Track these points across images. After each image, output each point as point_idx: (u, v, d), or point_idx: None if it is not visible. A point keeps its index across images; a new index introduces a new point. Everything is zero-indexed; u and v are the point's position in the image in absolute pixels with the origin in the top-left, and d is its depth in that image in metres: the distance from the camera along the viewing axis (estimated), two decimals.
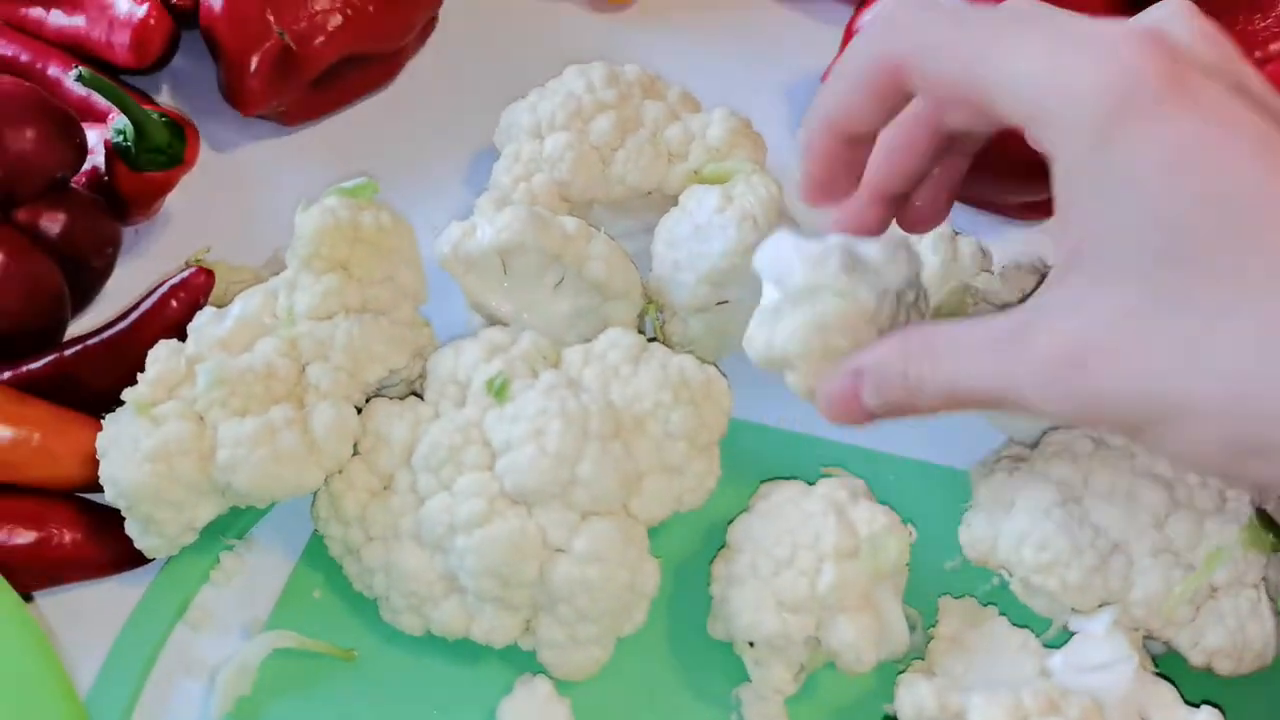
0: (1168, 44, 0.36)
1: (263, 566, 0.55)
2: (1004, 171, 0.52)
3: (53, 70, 0.65)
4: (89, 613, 0.54)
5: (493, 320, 0.57)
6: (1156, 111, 0.35)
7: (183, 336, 0.53)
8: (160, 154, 0.59)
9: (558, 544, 0.49)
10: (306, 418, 0.51)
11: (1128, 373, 0.36)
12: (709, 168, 0.59)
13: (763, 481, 0.53)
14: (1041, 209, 0.63)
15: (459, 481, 0.49)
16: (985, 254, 0.58)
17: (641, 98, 0.61)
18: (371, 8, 0.64)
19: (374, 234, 0.53)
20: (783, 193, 0.56)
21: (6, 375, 0.55)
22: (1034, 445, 0.52)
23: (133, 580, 0.54)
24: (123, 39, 0.63)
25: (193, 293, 0.56)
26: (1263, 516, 0.48)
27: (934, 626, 0.51)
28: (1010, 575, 0.49)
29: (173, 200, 0.64)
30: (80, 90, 0.62)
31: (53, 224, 0.57)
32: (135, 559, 0.53)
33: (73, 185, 0.59)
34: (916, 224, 0.48)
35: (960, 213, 0.51)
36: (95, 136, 0.60)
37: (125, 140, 0.58)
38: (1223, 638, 0.47)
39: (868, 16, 0.62)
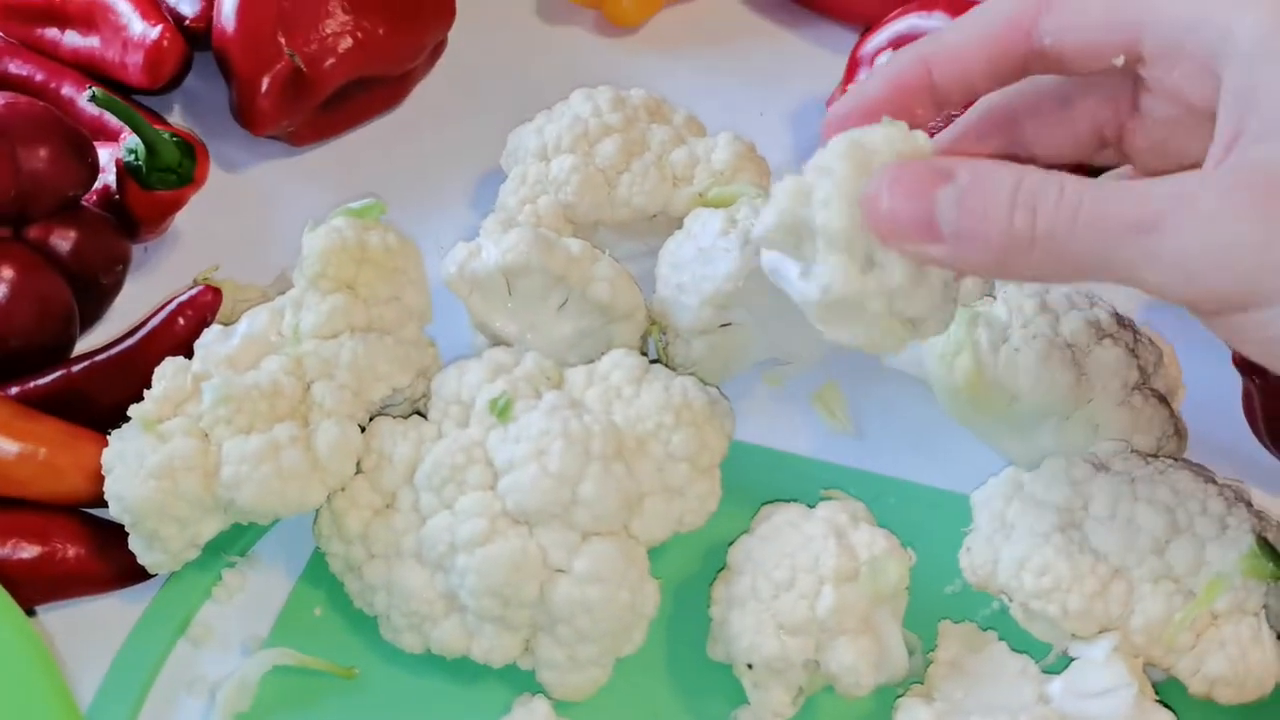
0: None
1: (265, 583, 0.55)
2: None
3: (67, 90, 0.66)
4: (91, 628, 0.54)
5: (497, 340, 0.57)
6: None
7: (190, 354, 0.53)
8: (171, 173, 0.60)
9: (558, 564, 0.49)
10: (310, 436, 0.51)
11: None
12: (713, 191, 0.60)
13: (763, 504, 0.53)
14: None
15: (461, 501, 0.50)
16: (987, 280, 0.58)
17: (648, 121, 0.61)
18: (381, 31, 0.65)
19: (380, 254, 0.54)
20: None
21: (15, 390, 0.56)
22: (1034, 470, 0.52)
23: (135, 596, 0.54)
24: (136, 60, 0.64)
25: (200, 310, 0.56)
26: (1264, 544, 0.48)
27: (934, 651, 0.51)
28: (1010, 600, 0.49)
29: (182, 219, 0.64)
30: (93, 110, 0.63)
31: (64, 241, 0.58)
32: (138, 574, 0.53)
33: (84, 203, 0.60)
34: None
35: None
36: (107, 155, 0.61)
37: (136, 159, 0.59)
38: (1224, 665, 0.47)
39: None
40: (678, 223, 0.60)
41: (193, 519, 0.51)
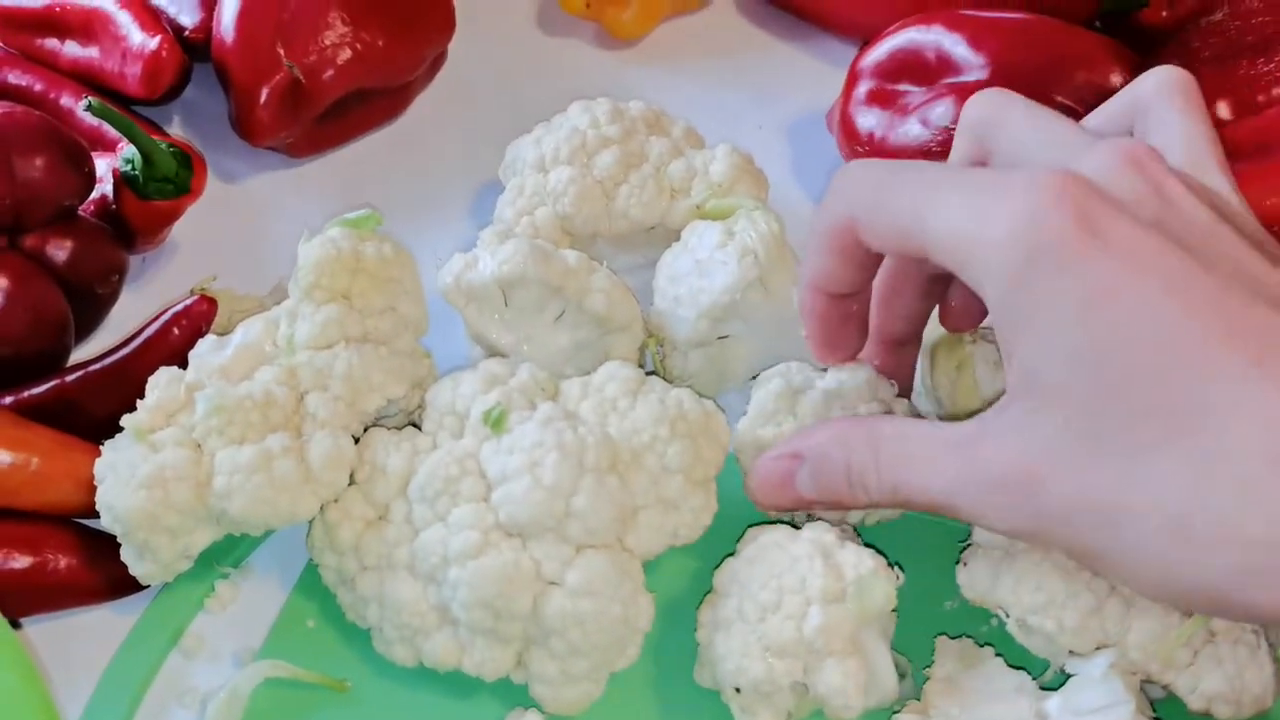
0: (1083, 184, 0.37)
1: (258, 595, 0.55)
2: None
3: (65, 100, 0.66)
4: (83, 639, 0.54)
5: (493, 352, 0.57)
6: (1067, 256, 0.36)
7: (184, 364, 0.53)
8: (168, 183, 0.60)
9: (551, 577, 0.49)
10: (304, 447, 0.51)
11: (1067, 492, 0.37)
12: (711, 203, 0.59)
13: (750, 525, 0.52)
14: None
15: (454, 513, 0.49)
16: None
17: (646, 133, 0.61)
18: (381, 42, 0.65)
19: (376, 265, 0.54)
20: (784, 229, 0.56)
21: (8, 400, 0.55)
22: None
23: (127, 607, 0.54)
24: (135, 70, 0.64)
25: (195, 320, 0.56)
26: None
27: (929, 666, 0.50)
28: (1007, 616, 0.49)
29: (180, 230, 0.64)
30: (91, 120, 0.63)
31: (60, 251, 0.58)
32: (130, 586, 0.53)
33: (81, 213, 0.60)
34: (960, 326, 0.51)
35: None
36: (105, 165, 0.61)
37: (133, 169, 0.59)
38: (1221, 682, 0.47)
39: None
40: (676, 235, 0.60)
41: (184, 529, 0.50)
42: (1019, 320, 0.38)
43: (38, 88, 0.66)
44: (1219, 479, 0.35)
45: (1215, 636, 0.47)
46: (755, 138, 0.67)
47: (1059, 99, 0.60)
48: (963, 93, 0.60)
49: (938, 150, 0.61)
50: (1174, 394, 0.35)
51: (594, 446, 0.49)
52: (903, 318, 0.49)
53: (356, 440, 0.52)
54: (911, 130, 0.62)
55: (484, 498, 0.49)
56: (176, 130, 0.70)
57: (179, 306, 0.56)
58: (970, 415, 0.54)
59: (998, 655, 0.50)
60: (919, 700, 0.49)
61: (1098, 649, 0.47)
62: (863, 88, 0.65)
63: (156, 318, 0.57)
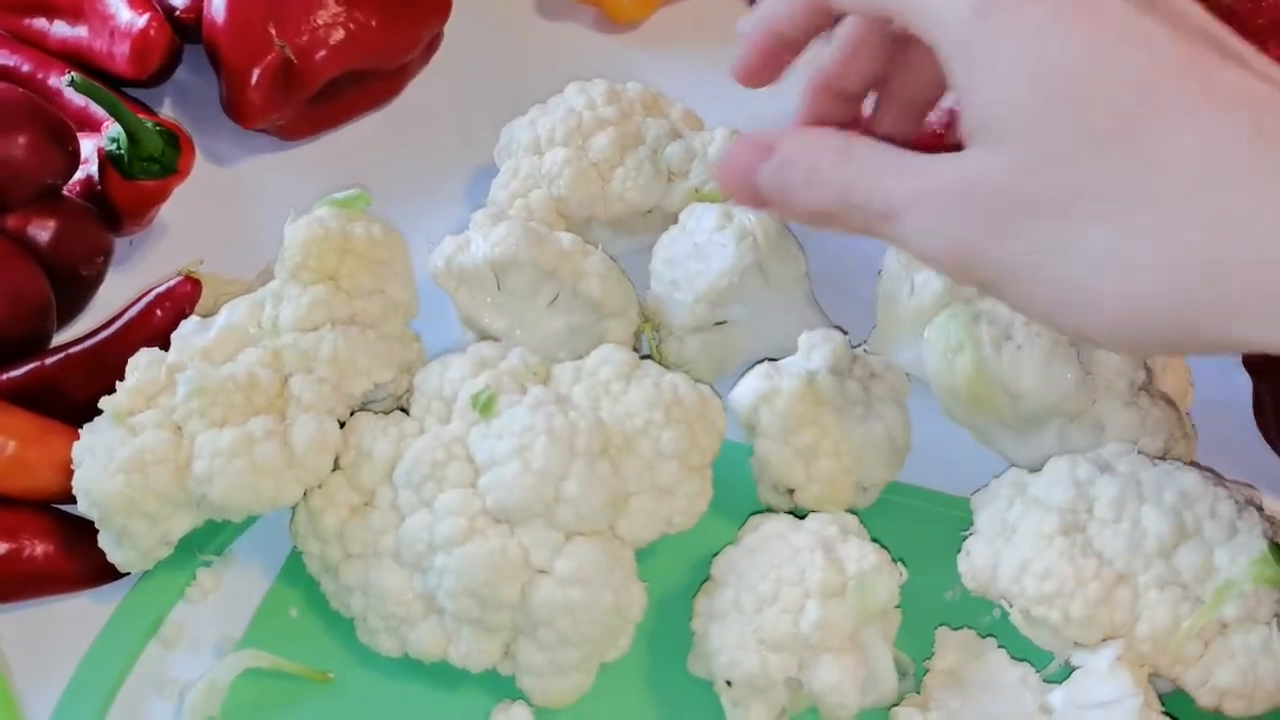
0: None
1: (241, 583, 0.53)
2: None
3: (54, 80, 0.64)
4: (60, 628, 0.52)
5: (485, 336, 0.56)
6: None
7: (167, 346, 0.52)
8: (154, 163, 0.59)
9: (540, 565, 0.47)
10: (287, 430, 0.49)
11: (1013, 203, 0.38)
12: (709, 185, 0.58)
13: (753, 513, 0.51)
14: None
15: (440, 498, 0.48)
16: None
17: (643, 115, 0.60)
18: (374, 23, 0.64)
19: (364, 246, 0.52)
20: None
21: None
22: (1037, 471, 0.50)
23: (107, 595, 0.53)
24: (123, 49, 0.63)
25: (178, 302, 0.55)
26: (1275, 549, 0.45)
27: (930, 659, 0.49)
28: (1010, 606, 0.47)
29: (169, 212, 0.63)
30: (79, 101, 0.62)
31: (42, 231, 0.56)
32: (110, 573, 0.52)
33: (66, 193, 0.58)
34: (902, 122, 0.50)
35: None
36: (91, 145, 0.60)
37: (119, 148, 0.58)
38: (1233, 676, 0.45)
39: None
40: (673, 218, 0.58)
41: (163, 515, 0.49)
42: (973, 60, 0.39)
43: (26, 68, 0.65)
44: (1158, 199, 0.36)
45: (1227, 629, 0.45)
46: (755, 122, 0.65)
47: None
48: None
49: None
50: (1120, 116, 0.36)
51: (585, 431, 0.48)
52: (853, 68, 0.49)
53: (342, 425, 0.51)
54: None
55: (471, 483, 0.48)
56: (167, 112, 0.69)
57: (162, 288, 0.55)
58: (972, 399, 0.53)
59: (1000, 647, 0.49)
60: (919, 694, 0.48)
61: (1104, 641, 0.46)
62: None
63: (139, 299, 0.55)
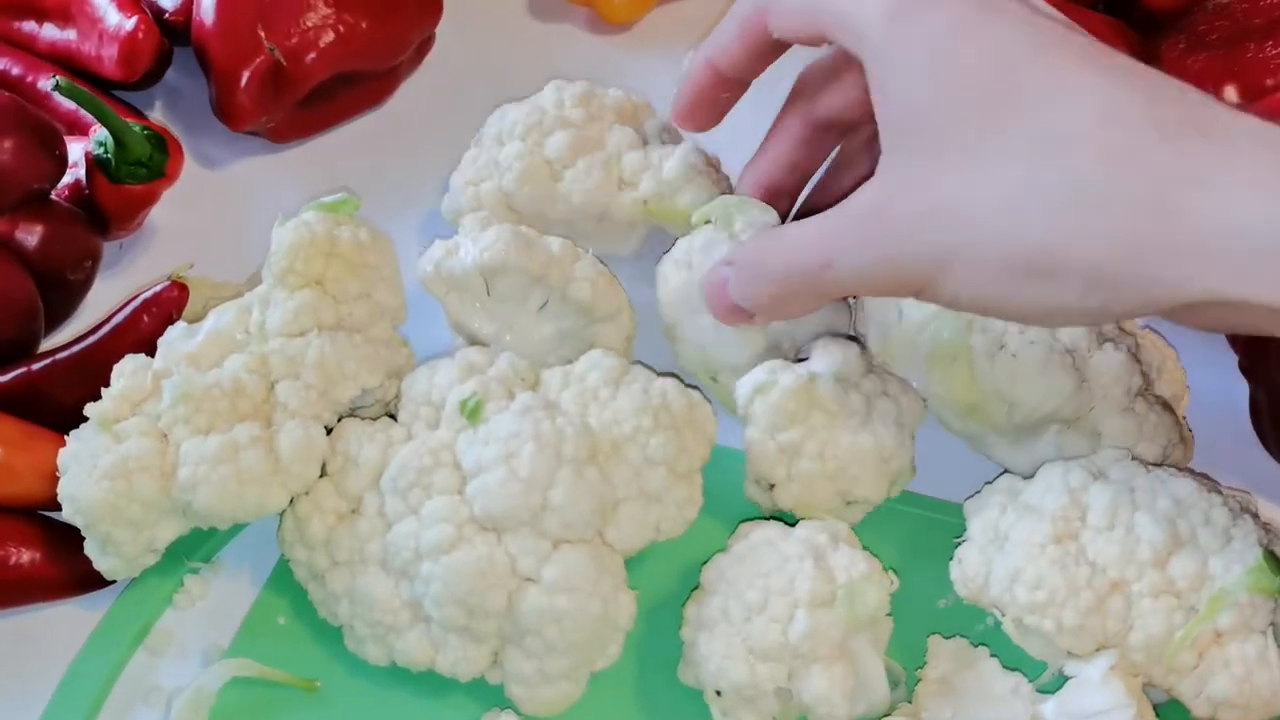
0: None
1: (228, 591, 0.53)
2: None
3: (43, 83, 0.64)
4: (46, 636, 0.52)
5: (475, 342, 0.55)
6: (926, 5, 0.42)
7: (154, 352, 0.51)
8: (141, 167, 0.58)
9: (527, 573, 0.47)
10: (273, 437, 0.49)
11: (916, 209, 0.41)
12: (653, 202, 0.57)
13: (742, 521, 0.51)
14: None
15: (427, 506, 0.48)
16: None
17: (613, 121, 0.59)
18: (365, 25, 0.64)
19: (351, 250, 0.52)
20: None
21: None
22: (1030, 478, 0.50)
23: (94, 603, 0.53)
24: (112, 52, 0.62)
25: (165, 307, 0.54)
26: (1271, 557, 0.45)
27: (922, 668, 0.48)
28: (1003, 615, 0.47)
29: (158, 215, 0.63)
30: (68, 104, 0.61)
31: (30, 236, 0.56)
32: (96, 581, 0.51)
33: (53, 197, 0.58)
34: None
35: None
36: (80, 150, 0.59)
37: (105, 152, 0.58)
38: (1228, 686, 0.45)
39: None
40: (625, 229, 0.58)
41: (148, 522, 0.49)
42: (887, 63, 0.42)
43: (14, 71, 0.64)
44: (1050, 160, 0.39)
45: (1222, 638, 0.45)
46: (748, 123, 0.65)
47: None
48: None
49: None
50: (1015, 91, 0.40)
51: (572, 437, 0.47)
52: (780, 162, 0.54)
53: (329, 431, 0.51)
54: None
55: (458, 490, 0.48)
56: (157, 115, 0.68)
57: (149, 293, 0.55)
58: (967, 408, 0.52)
59: (993, 656, 0.49)
60: (910, 703, 0.47)
61: (1097, 650, 0.45)
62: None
63: (126, 304, 0.55)
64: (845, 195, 0.45)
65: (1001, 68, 0.40)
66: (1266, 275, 0.36)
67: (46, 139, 0.56)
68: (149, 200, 0.59)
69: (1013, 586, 0.46)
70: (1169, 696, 0.46)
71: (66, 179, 0.58)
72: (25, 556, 0.51)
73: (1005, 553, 0.47)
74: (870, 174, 0.45)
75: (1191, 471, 0.50)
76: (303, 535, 0.50)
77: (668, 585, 0.53)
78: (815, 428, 0.51)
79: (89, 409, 0.49)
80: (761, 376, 0.52)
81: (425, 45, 0.69)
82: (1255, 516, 0.47)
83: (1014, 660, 0.48)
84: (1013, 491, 0.49)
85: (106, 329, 0.55)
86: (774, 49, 0.50)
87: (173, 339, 0.51)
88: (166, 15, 0.65)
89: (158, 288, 0.55)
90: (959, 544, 0.49)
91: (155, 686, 0.51)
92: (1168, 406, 0.53)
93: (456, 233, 0.56)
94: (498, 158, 0.58)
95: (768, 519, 0.51)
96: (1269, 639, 0.45)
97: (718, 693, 0.47)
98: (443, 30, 0.69)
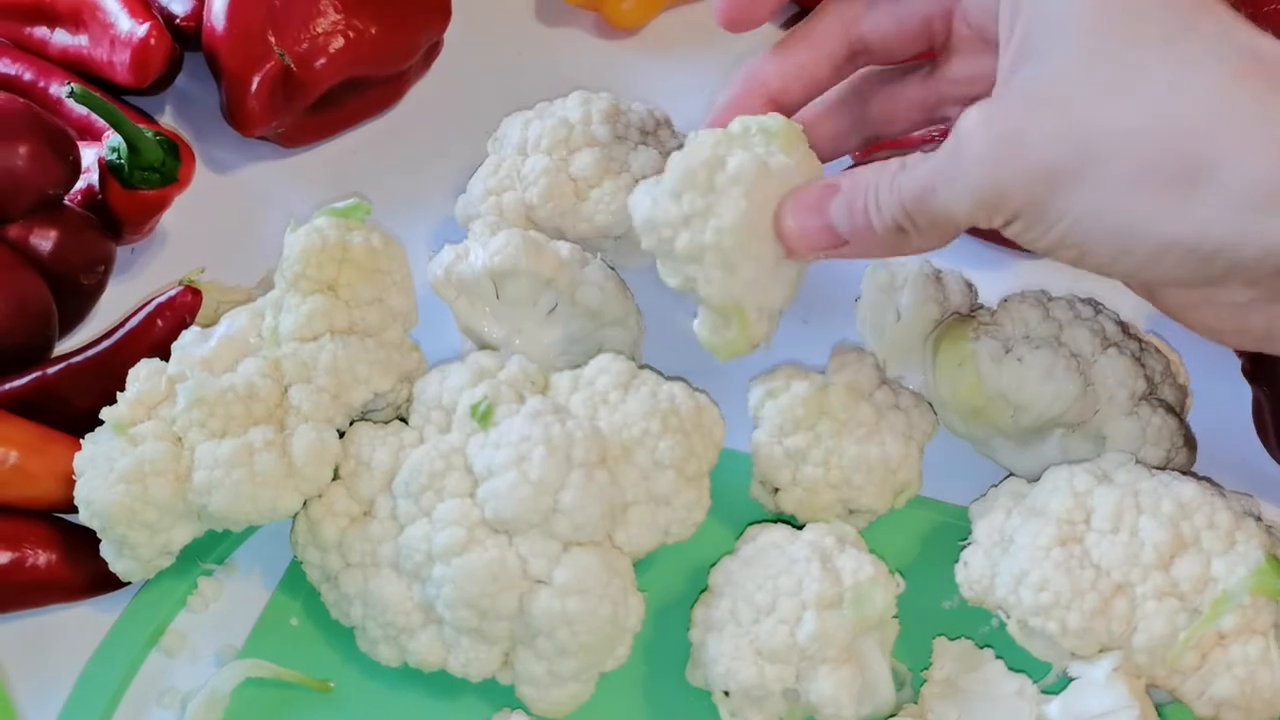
0: None
1: (242, 592, 0.54)
2: None
3: (55, 89, 0.65)
4: (62, 637, 0.53)
5: (484, 345, 0.56)
6: None
7: (167, 356, 0.52)
8: (154, 172, 0.59)
9: (538, 575, 0.47)
10: (287, 440, 0.49)
11: (1041, 125, 0.39)
12: None
13: (750, 523, 0.51)
14: None
15: (439, 508, 0.48)
16: (971, 287, 0.57)
17: (638, 140, 0.59)
18: (374, 30, 0.64)
19: (363, 255, 0.52)
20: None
21: None
22: (1035, 481, 0.50)
23: (109, 604, 0.53)
24: (123, 58, 0.63)
25: (179, 311, 0.55)
26: (1273, 560, 0.45)
27: (927, 669, 0.49)
28: (1008, 617, 0.47)
29: (169, 220, 0.63)
30: (80, 110, 0.62)
31: (44, 241, 0.57)
32: (111, 583, 0.52)
33: (67, 203, 0.59)
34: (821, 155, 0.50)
35: (965, 245, 0.50)
36: (92, 155, 0.60)
37: (119, 158, 0.58)
38: (1231, 687, 0.45)
39: None
40: (640, 248, 0.58)
41: (163, 525, 0.49)
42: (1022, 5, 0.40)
43: (27, 76, 0.65)
44: (1199, 74, 0.38)
45: (1225, 640, 0.45)
46: None
47: None
48: None
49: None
50: (1169, 15, 0.39)
51: (582, 441, 0.48)
52: (801, 76, 0.50)
53: (342, 434, 0.51)
54: None
55: (470, 493, 0.48)
56: (168, 120, 0.69)
57: (163, 298, 0.55)
58: (972, 412, 0.53)
59: (998, 658, 0.49)
60: (916, 704, 0.48)
61: (1101, 652, 0.46)
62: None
63: (140, 309, 0.56)
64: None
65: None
66: None
67: (60, 144, 0.56)
68: (161, 205, 0.60)
69: (1018, 589, 0.47)
70: (1172, 698, 0.47)
71: (79, 184, 0.59)
72: (42, 559, 0.52)
73: (1010, 555, 0.47)
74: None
75: (1195, 475, 0.50)
76: (316, 538, 0.50)
77: (676, 587, 0.53)
78: (823, 435, 0.51)
79: (105, 413, 0.50)
80: (774, 381, 0.52)
81: (434, 50, 0.69)
82: (1258, 519, 0.47)
83: (1019, 662, 0.48)
84: (1018, 494, 0.50)
85: (121, 333, 0.55)
86: (849, 65, 0.48)
87: (187, 343, 0.52)
88: (177, 21, 0.65)
89: (171, 292, 0.55)
90: (964, 546, 0.50)
91: (170, 687, 0.51)
92: (1172, 410, 0.53)
93: (465, 237, 0.56)
94: (521, 169, 0.58)
95: (774, 522, 0.51)
96: (1271, 641, 0.46)
97: (726, 694, 0.47)
98: (451, 35, 0.69)
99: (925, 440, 0.53)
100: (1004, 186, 0.40)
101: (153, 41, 0.62)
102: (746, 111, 0.48)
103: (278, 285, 0.53)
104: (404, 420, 0.52)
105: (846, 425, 0.51)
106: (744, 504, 0.54)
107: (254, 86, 0.62)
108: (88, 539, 0.51)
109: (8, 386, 0.55)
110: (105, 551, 0.50)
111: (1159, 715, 0.46)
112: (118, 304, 0.60)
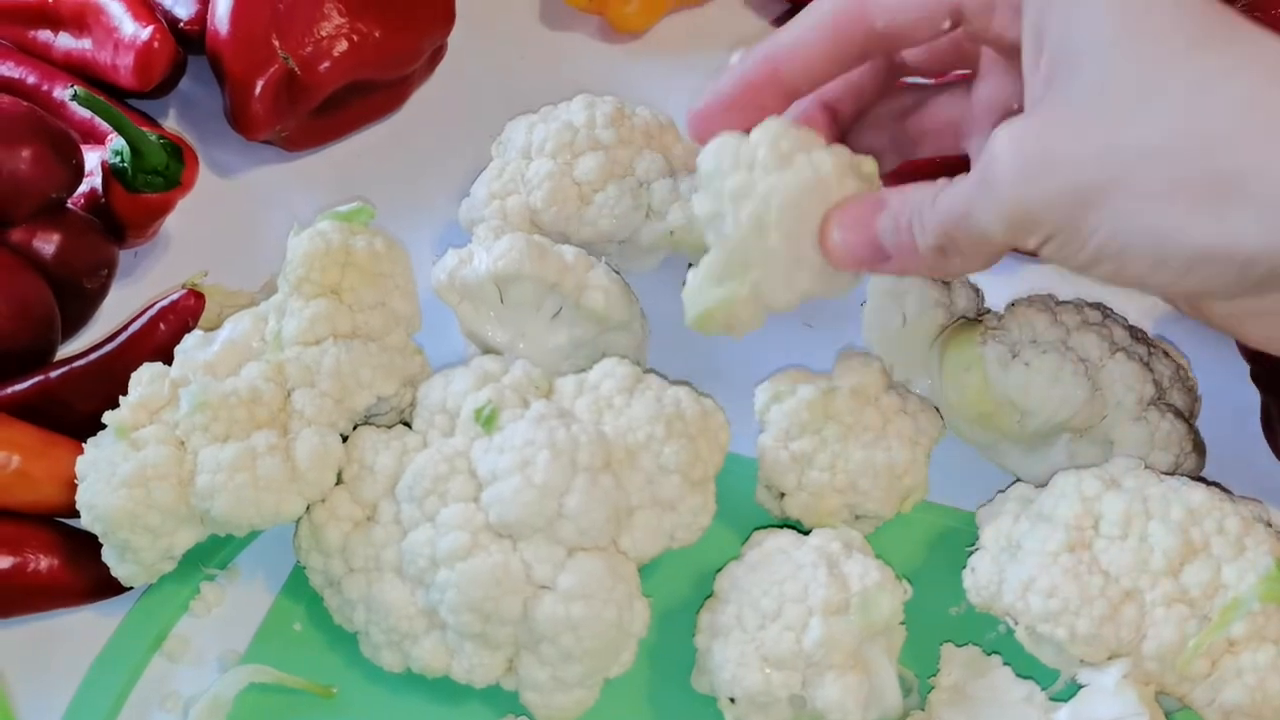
0: None
1: (244, 597, 0.53)
2: None
3: (58, 92, 0.64)
4: (64, 642, 0.52)
5: (488, 350, 0.55)
6: None
7: (170, 360, 0.52)
8: (157, 176, 0.59)
9: (542, 580, 0.47)
10: (290, 444, 0.49)
11: (1077, 150, 0.39)
12: (679, 234, 0.58)
13: (756, 528, 0.51)
14: None
15: (442, 513, 0.48)
16: (977, 291, 0.56)
17: (642, 144, 0.59)
18: (378, 34, 0.64)
19: (366, 259, 0.52)
20: None
21: None
22: (1043, 486, 0.50)
23: (111, 609, 0.53)
24: (127, 61, 0.63)
25: (181, 315, 0.55)
26: None
27: (934, 675, 0.48)
28: (1016, 623, 0.47)
29: (173, 224, 0.63)
30: (84, 113, 0.62)
31: (47, 244, 0.56)
32: (113, 587, 0.51)
33: (70, 206, 0.58)
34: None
35: None
36: (95, 158, 0.60)
37: (122, 161, 0.58)
38: (1241, 695, 0.45)
39: None
40: (645, 252, 0.58)
41: (166, 529, 0.49)
42: (1047, 29, 0.40)
43: (30, 80, 0.65)
44: (1226, 86, 0.38)
45: (1235, 646, 0.45)
46: None
47: None
48: None
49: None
50: (1192, 29, 0.39)
51: (587, 445, 0.48)
52: (848, 87, 0.50)
53: (345, 438, 0.51)
54: None
55: (474, 498, 0.48)
56: (171, 123, 0.69)
57: (165, 301, 0.55)
58: (980, 416, 0.52)
59: (1006, 664, 0.49)
60: (923, 710, 0.47)
61: (1110, 659, 0.46)
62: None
63: (142, 313, 0.55)
64: None
65: (1172, 16, 0.39)
66: None
67: (63, 148, 0.56)
68: (164, 209, 0.60)
69: (1026, 595, 0.46)
70: (1182, 705, 0.46)
71: (83, 188, 0.59)
72: (44, 563, 0.52)
73: (1018, 561, 0.47)
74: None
75: (1204, 480, 0.50)
76: (319, 542, 0.50)
77: (681, 592, 0.53)
78: (829, 439, 0.51)
79: (107, 417, 0.50)
80: (780, 384, 0.52)
81: (438, 54, 0.69)
82: (1268, 525, 0.47)
83: (1027, 668, 0.48)
84: (1026, 500, 0.50)
85: (124, 337, 0.55)
86: (861, 51, 0.46)
87: (189, 347, 0.52)
88: (181, 24, 0.65)
89: (174, 296, 0.55)
90: (972, 552, 0.50)
91: (172, 692, 0.51)
92: (1180, 415, 0.53)
93: (469, 241, 0.56)
94: (525, 173, 0.58)
95: (780, 527, 0.51)
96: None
97: (731, 700, 0.47)
98: (455, 39, 0.69)
99: (932, 445, 0.53)
100: (1035, 207, 0.40)
101: (156, 45, 0.62)
102: (756, 89, 0.47)
103: (281, 289, 0.52)
104: (407, 424, 0.52)
105: (853, 430, 0.51)
106: (750, 509, 0.54)
107: (258, 90, 0.62)
108: (90, 544, 0.51)
109: (10, 390, 0.54)
110: (107, 556, 0.50)
111: None
112: (120, 308, 0.60)
